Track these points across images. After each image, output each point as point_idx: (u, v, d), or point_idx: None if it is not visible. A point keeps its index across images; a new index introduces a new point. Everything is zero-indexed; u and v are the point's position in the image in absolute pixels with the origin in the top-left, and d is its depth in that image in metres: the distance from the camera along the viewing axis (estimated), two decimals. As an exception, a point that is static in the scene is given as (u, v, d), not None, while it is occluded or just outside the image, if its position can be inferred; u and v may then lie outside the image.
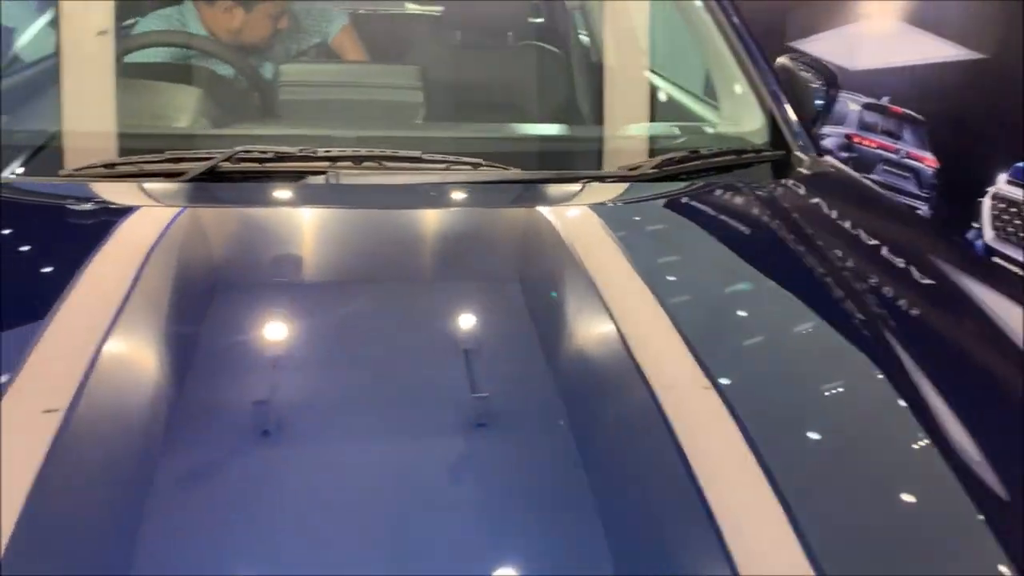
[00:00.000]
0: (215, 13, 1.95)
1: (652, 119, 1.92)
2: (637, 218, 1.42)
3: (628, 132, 1.75)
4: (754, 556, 0.74)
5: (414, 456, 0.86)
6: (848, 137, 3.67)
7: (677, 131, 1.76)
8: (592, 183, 1.43)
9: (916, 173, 3.36)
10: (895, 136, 3.46)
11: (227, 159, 1.30)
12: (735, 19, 1.83)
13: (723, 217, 1.42)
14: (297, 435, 0.88)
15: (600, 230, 1.30)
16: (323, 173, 1.31)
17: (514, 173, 1.39)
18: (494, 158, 1.41)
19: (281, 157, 1.32)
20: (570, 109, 2.16)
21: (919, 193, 3.35)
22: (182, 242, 1.21)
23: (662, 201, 1.44)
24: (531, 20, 2.96)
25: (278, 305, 1.10)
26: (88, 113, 1.52)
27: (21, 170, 1.37)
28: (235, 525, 0.76)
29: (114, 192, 1.30)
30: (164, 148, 1.33)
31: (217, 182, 1.31)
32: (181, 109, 1.69)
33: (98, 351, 0.92)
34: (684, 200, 1.45)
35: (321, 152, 1.33)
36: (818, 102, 1.87)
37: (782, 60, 1.96)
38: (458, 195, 1.37)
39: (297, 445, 0.86)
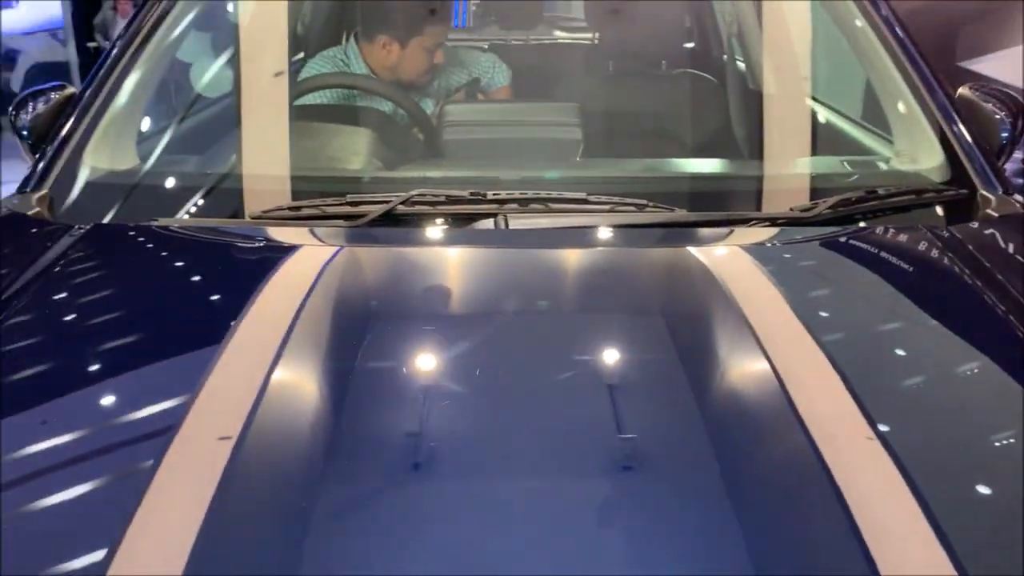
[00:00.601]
0: (374, 50, 2.01)
1: (814, 152, 1.86)
2: (809, 262, 1.37)
3: (795, 169, 1.70)
4: None
5: (560, 495, 0.87)
6: (1024, 162, 3.44)
7: (847, 167, 1.69)
8: (767, 225, 1.39)
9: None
10: (1079, 161, 3.21)
11: (403, 202, 1.34)
12: (907, 42, 1.74)
13: (900, 261, 1.35)
14: (446, 469, 0.91)
15: (768, 274, 1.27)
16: (493, 216, 1.34)
17: (680, 215, 1.37)
18: (656, 197, 1.40)
19: (452, 200, 1.35)
20: (727, 141, 2.12)
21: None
22: (343, 280, 1.27)
23: (834, 243, 1.38)
24: (684, 46, 2.93)
25: (432, 340, 1.14)
26: (266, 156, 1.61)
27: (203, 210, 1.46)
28: (386, 556, 0.79)
29: (288, 235, 1.36)
30: (335, 191, 1.39)
31: (393, 226, 1.35)
32: (349, 151, 1.76)
33: (266, 382, 0.98)
34: (856, 242, 1.39)
35: (490, 195, 1.36)
36: (1003, 134, 1.76)
37: (963, 90, 1.85)
38: (623, 236, 1.36)
39: (446, 479, 0.90)
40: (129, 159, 1.60)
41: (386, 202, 1.34)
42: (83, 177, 1.51)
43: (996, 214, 1.46)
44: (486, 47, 3.50)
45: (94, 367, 1.10)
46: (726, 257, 1.35)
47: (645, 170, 1.67)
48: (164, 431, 0.91)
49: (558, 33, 3.91)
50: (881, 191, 1.43)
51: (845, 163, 1.73)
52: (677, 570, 0.78)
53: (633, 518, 0.84)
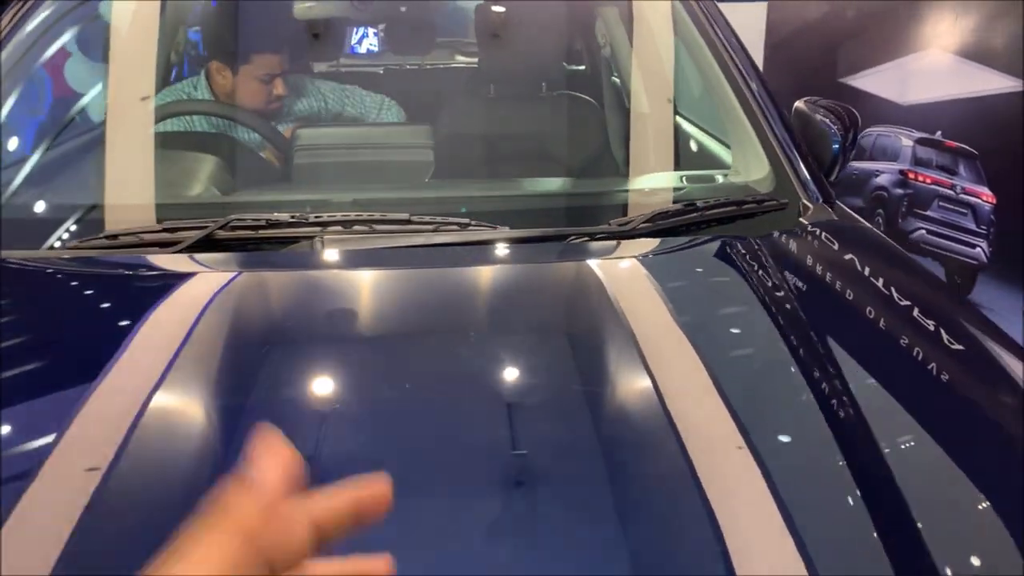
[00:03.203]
0: (213, 76, 2.02)
1: (678, 167, 1.91)
2: (626, 276, 1.40)
3: (632, 185, 1.74)
4: None
5: (452, 513, 0.88)
6: (903, 173, 3.57)
7: (684, 182, 1.75)
8: (586, 240, 1.43)
9: (973, 209, 3.24)
10: (950, 171, 3.34)
11: (221, 227, 1.35)
12: (739, 58, 1.81)
13: (713, 272, 1.40)
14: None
15: (607, 287, 1.30)
16: (310, 239, 1.35)
17: (501, 232, 1.40)
18: (495, 216, 1.42)
19: (272, 224, 1.36)
20: (598, 159, 2.16)
21: (977, 229, 3.22)
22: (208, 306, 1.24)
23: (655, 257, 1.42)
24: (565, 67, 2.97)
25: (305, 366, 1.14)
26: (128, 183, 1.60)
27: (63, 238, 1.43)
28: None
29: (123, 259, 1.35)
30: (182, 216, 1.39)
31: (212, 251, 1.35)
32: (194, 176, 1.76)
33: (142, 411, 0.96)
34: (675, 255, 1.44)
35: (311, 218, 1.37)
36: (834, 146, 1.83)
37: (799, 104, 1.93)
38: (443, 256, 1.38)
39: None
40: None
41: (203, 227, 1.34)
42: None
43: (808, 223, 1.52)
44: (381, 71, 3.53)
45: None
46: (544, 272, 1.39)
47: (490, 190, 1.70)
48: (32, 462, 0.89)
49: (460, 58, 3.95)
50: (699, 203, 1.48)
51: (684, 178, 1.78)
52: None
53: (521, 531, 0.87)
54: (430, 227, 1.38)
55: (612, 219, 1.46)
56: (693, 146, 2.18)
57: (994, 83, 3.10)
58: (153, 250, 1.34)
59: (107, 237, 1.36)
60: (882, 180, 3.70)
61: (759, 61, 4.14)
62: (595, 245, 1.42)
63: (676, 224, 1.45)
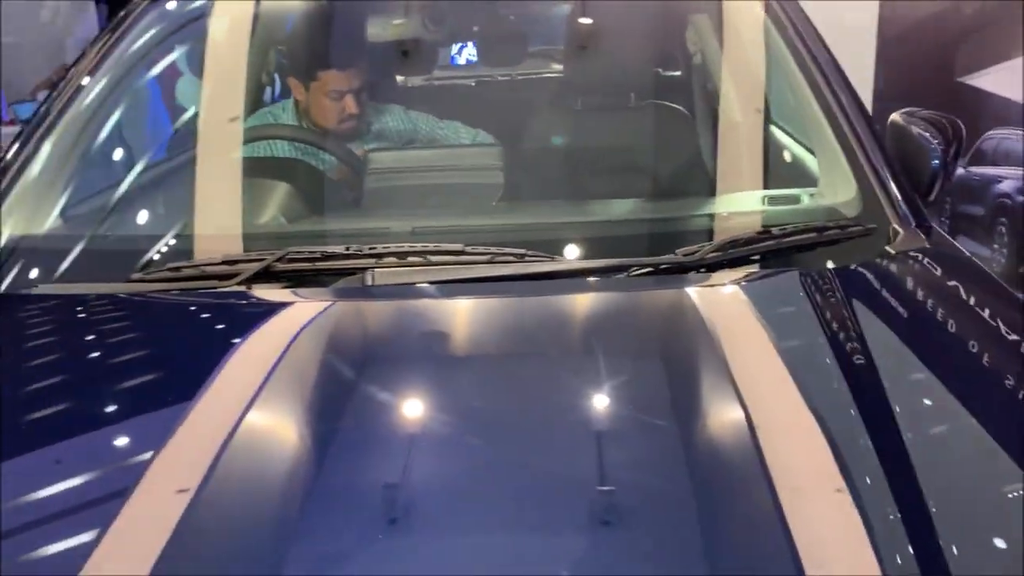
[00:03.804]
0: (295, 95, 2.03)
1: (767, 185, 1.80)
2: (698, 308, 1.33)
3: (709, 208, 1.65)
4: None
5: (536, 550, 0.87)
6: (1027, 179, 3.32)
7: (765, 204, 1.64)
8: (649, 272, 1.35)
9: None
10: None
11: (278, 259, 1.35)
12: (828, 70, 1.70)
13: (767, 306, 1.30)
14: (423, 524, 0.91)
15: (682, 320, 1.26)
16: (364, 271, 1.33)
17: (558, 263, 1.35)
18: (557, 246, 1.38)
19: (328, 256, 1.35)
20: (687, 172, 2.07)
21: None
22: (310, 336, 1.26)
23: (725, 288, 1.34)
24: (664, 73, 2.88)
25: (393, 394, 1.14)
26: (214, 211, 1.63)
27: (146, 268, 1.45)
28: None
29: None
30: (263, 246, 1.42)
31: (271, 282, 1.35)
32: (278, 202, 1.77)
33: (232, 434, 0.99)
34: (744, 286, 1.35)
35: (366, 250, 1.35)
36: (934, 162, 1.69)
37: (894, 117, 1.79)
38: (499, 289, 1.34)
39: (423, 534, 0.90)
40: (49, 220, 1.63)
41: (259, 260, 1.34)
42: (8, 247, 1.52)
43: (895, 251, 1.40)
44: (473, 83, 3.52)
45: (57, 428, 1.12)
46: (608, 305, 1.33)
47: (555, 216, 1.65)
48: (126, 484, 0.93)
49: (555, 66, 3.91)
50: (775, 230, 1.39)
51: (766, 199, 1.67)
52: None
53: (605, 573, 0.85)
54: (485, 258, 1.34)
55: (681, 247, 1.38)
56: (785, 157, 2.07)
57: None
58: (212, 283, 1.35)
59: (170, 270, 1.38)
60: (1005, 187, 3.44)
61: (870, 61, 3.92)
62: (661, 277, 1.35)
63: (747, 253, 1.36)
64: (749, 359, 1.15)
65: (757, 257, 1.38)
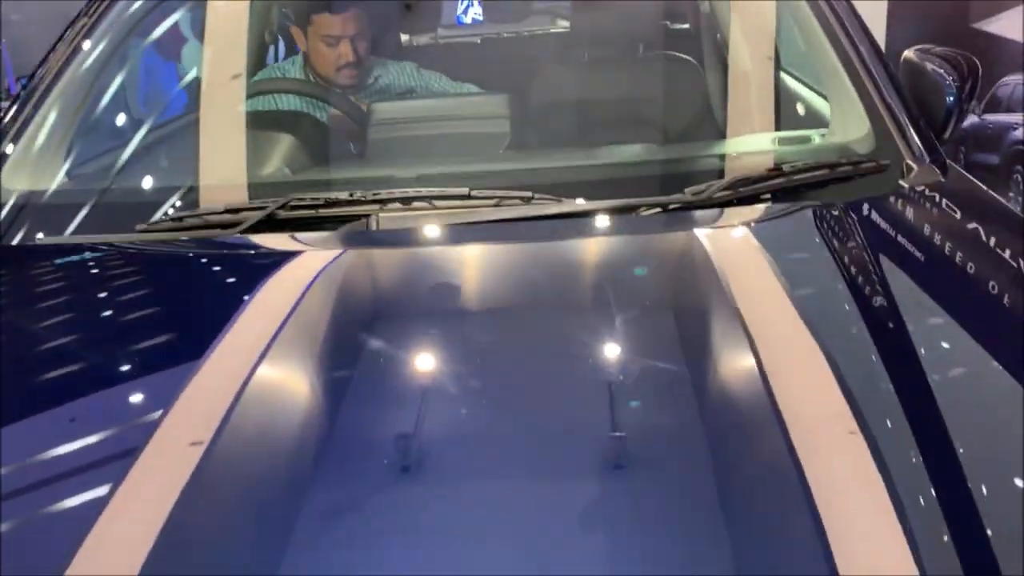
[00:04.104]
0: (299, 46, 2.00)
1: (779, 127, 1.78)
2: (706, 246, 1.31)
3: (719, 149, 1.63)
4: None
5: (549, 496, 0.87)
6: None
7: (776, 145, 1.61)
8: (658, 212, 1.34)
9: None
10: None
11: (281, 207, 1.33)
12: (841, 9, 1.66)
13: (803, 243, 1.28)
14: (436, 472, 0.91)
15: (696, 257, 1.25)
16: (367, 217, 1.32)
17: (566, 205, 1.33)
18: (566, 189, 1.36)
19: (331, 203, 1.33)
20: (696, 122, 2.05)
21: None
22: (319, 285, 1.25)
23: (735, 228, 1.32)
24: (672, 27, 2.84)
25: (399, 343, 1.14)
26: (220, 163, 1.61)
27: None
28: (368, 560, 0.79)
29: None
30: (269, 194, 1.40)
31: (275, 231, 1.34)
32: (283, 154, 1.76)
33: (245, 385, 0.98)
34: (761, 224, 1.33)
35: (370, 196, 1.34)
36: (949, 99, 1.65)
37: (907, 54, 1.76)
38: (503, 231, 1.32)
39: (436, 483, 0.90)
40: (54, 178, 1.62)
41: (262, 208, 1.33)
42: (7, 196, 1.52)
43: (908, 186, 1.38)
44: (479, 41, 3.49)
45: (68, 382, 1.11)
46: (617, 249, 1.31)
47: (562, 160, 1.62)
48: (140, 437, 0.93)
49: (561, 22, 3.87)
50: (785, 167, 1.36)
51: (776, 140, 1.65)
52: (659, 570, 0.78)
53: (619, 518, 0.85)
54: (491, 202, 1.32)
55: (689, 187, 1.36)
56: (797, 105, 2.03)
57: None
58: (215, 232, 1.34)
59: (173, 220, 1.37)
60: (1022, 134, 3.39)
61: (881, 10, 3.85)
62: (669, 216, 1.33)
63: (758, 191, 1.34)
64: (760, 302, 1.13)
65: (768, 196, 1.36)
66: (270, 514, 0.85)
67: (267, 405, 1.01)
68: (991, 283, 1.20)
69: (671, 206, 1.33)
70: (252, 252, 1.34)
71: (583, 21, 2.75)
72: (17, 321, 1.25)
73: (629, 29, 2.52)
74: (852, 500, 0.82)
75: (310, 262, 1.31)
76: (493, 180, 1.42)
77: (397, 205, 1.33)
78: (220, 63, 1.83)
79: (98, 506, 0.84)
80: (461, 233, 1.32)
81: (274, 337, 1.09)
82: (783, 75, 1.96)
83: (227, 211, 1.35)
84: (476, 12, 4.26)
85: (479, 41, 3.51)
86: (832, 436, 0.89)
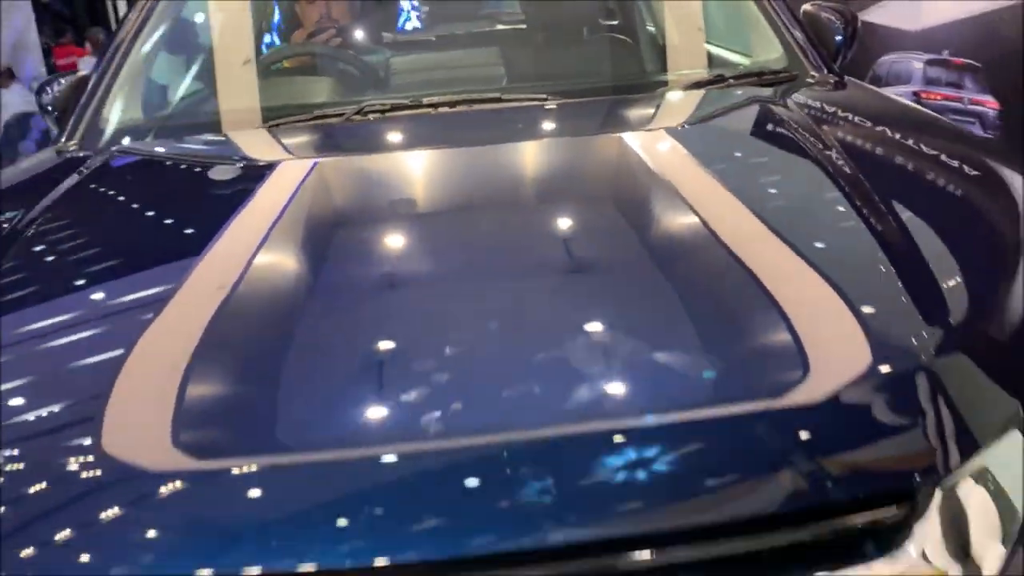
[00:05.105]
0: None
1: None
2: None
3: (659, 76, 2.14)
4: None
5: (527, 296, 1.11)
6: (915, 94, 3.89)
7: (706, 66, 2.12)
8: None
9: (980, 117, 3.55)
10: (958, 86, 3.66)
11: (358, 112, 1.76)
12: None
13: (741, 127, 1.76)
14: (421, 291, 1.17)
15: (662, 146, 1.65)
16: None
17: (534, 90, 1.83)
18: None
19: (397, 107, 1.77)
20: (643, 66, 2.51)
21: (984, 135, 3.53)
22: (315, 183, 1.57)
23: (688, 113, 1.81)
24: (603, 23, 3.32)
25: (399, 222, 1.40)
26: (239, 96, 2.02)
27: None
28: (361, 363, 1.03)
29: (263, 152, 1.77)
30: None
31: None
32: (312, 94, 2.16)
33: (262, 244, 1.27)
34: (708, 115, 1.82)
35: (425, 101, 1.78)
36: (838, 38, 2.19)
37: (806, 7, 2.29)
38: (530, 121, 1.77)
39: (419, 299, 1.15)
40: (136, 111, 2.01)
41: (342, 114, 1.75)
42: (99, 127, 1.92)
43: (812, 84, 1.90)
44: (434, 39, 3.91)
45: (115, 258, 1.38)
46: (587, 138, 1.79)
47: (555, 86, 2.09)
48: (173, 283, 1.20)
49: (499, 26, 4.31)
50: (726, 75, 1.87)
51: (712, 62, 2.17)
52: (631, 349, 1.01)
53: (590, 304, 1.08)
54: (515, 100, 1.78)
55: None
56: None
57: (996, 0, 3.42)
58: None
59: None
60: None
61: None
62: (634, 111, 1.81)
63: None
64: (699, 182, 1.46)
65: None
66: (282, 332, 1.08)
67: (281, 258, 1.28)
68: (894, 144, 1.60)
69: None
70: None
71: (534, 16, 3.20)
72: (111, 210, 1.60)
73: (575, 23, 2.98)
74: (796, 284, 1.10)
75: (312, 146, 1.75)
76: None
77: (446, 108, 1.77)
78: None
79: (145, 324, 1.10)
80: (434, 120, 1.74)
81: (286, 205, 1.41)
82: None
83: (316, 117, 1.77)
84: (414, 23, 4.64)
85: (434, 39, 3.92)
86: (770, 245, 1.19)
